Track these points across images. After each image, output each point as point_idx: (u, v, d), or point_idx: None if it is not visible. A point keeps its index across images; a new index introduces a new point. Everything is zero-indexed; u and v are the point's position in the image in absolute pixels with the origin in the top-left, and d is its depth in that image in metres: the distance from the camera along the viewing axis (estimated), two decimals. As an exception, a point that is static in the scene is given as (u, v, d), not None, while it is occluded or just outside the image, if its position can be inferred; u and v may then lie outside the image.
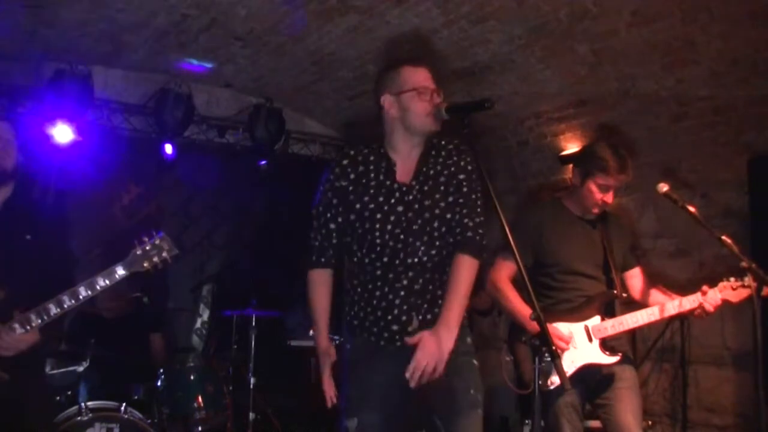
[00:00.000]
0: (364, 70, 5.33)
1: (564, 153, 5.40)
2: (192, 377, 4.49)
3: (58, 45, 5.14)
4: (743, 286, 3.05)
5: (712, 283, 3.16)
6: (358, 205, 2.59)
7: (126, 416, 3.79)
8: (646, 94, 4.62)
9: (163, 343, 4.88)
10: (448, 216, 2.59)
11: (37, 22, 4.76)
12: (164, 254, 2.63)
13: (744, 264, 2.92)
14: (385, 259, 2.56)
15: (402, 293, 2.55)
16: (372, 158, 2.64)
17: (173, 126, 5.61)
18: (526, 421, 4.85)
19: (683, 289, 3.27)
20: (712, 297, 3.10)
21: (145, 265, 2.61)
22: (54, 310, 2.52)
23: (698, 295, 3.12)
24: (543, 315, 2.92)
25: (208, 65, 5.57)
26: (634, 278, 3.34)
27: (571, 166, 5.32)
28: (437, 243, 2.58)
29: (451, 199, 2.60)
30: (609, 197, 3.15)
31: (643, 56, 4.31)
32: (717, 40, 3.99)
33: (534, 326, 2.84)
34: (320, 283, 2.67)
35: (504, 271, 3.21)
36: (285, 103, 6.16)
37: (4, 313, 2.50)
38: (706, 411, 4.67)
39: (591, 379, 3.12)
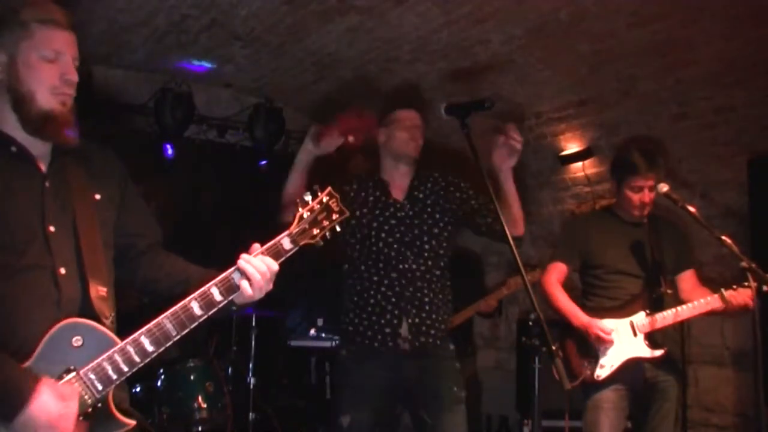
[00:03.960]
0: (364, 70, 5.33)
1: (564, 153, 5.40)
2: (192, 377, 4.49)
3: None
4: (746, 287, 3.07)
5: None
6: (357, 213, 2.95)
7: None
8: (646, 94, 4.62)
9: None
10: (436, 231, 2.97)
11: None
12: (334, 217, 1.92)
13: (744, 264, 2.93)
14: (381, 265, 2.92)
15: (393, 299, 2.89)
16: (369, 182, 3.05)
17: (173, 126, 5.61)
18: (526, 421, 4.87)
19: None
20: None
21: (315, 232, 1.90)
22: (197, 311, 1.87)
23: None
24: (592, 314, 3.27)
25: (208, 65, 5.57)
26: (686, 281, 3.43)
27: (571, 166, 5.40)
28: (425, 254, 2.94)
29: (438, 216, 2.98)
30: (645, 197, 3.27)
31: (643, 56, 4.30)
32: (717, 40, 3.99)
33: (580, 322, 3.25)
34: None
35: (553, 274, 3.44)
36: (285, 103, 6.16)
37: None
38: (706, 411, 4.66)
39: (636, 382, 3.25)
